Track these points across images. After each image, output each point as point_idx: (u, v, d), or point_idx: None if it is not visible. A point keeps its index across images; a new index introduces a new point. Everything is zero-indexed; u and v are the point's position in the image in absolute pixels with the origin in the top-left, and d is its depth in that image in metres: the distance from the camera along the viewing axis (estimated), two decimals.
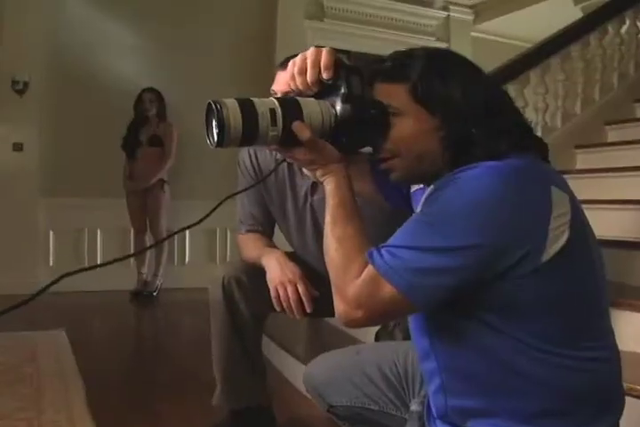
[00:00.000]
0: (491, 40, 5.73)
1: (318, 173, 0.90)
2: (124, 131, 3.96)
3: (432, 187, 0.86)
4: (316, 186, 1.57)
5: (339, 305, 0.82)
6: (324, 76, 0.87)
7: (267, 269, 1.48)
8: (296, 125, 0.84)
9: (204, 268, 4.14)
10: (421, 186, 1.01)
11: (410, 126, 0.88)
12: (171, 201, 4.04)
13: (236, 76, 4.43)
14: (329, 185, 0.89)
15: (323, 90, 0.88)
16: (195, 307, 3.41)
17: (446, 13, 5.36)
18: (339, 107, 0.87)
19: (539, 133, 2.71)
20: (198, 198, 4.23)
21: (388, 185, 1.01)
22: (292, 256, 1.55)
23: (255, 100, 0.84)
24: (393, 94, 0.89)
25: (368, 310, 0.80)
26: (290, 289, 1.42)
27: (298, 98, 0.87)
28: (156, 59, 4.34)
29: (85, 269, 0.73)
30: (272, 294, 1.44)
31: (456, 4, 5.40)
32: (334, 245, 0.86)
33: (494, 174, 0.79)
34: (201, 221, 0.85)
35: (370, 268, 0.80)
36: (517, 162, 0.82)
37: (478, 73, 0.92)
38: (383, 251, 0.80)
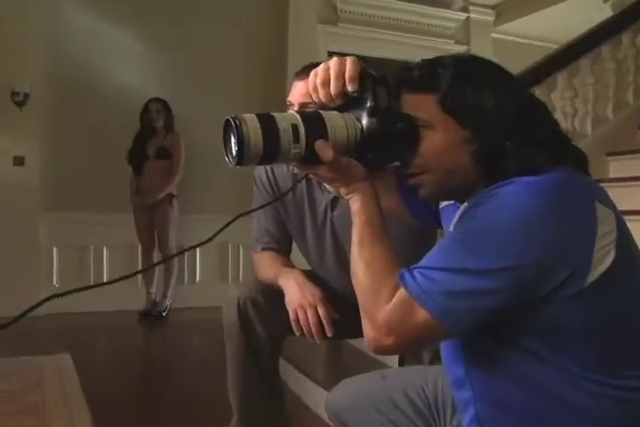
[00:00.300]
0: (512, 42, 5.74)
1: (343, 191, 0.89)
2: (130, 143, 4.00)
3: (466, 204, 0.86)
4: (336, 201, 1.57)
5: (368, 331, 0.81)
6: (349, 88, 0.86)
7: (285, 291, 1.47)
8: (318, 145, 0.84)
9: (215, 286, 4.14)
10: (452, 202, 1.00)
11: (440, 139, 0.87)
12: (180, 216, 4.07)
13: (247, 83, 4.48)
14: (355, 204, 0.89)
15: (347, 102, 0.88)
16: (205, 327, 3.41)
17: (466, 15, 5.37)
18: (364, 121, 0.86)
19: None
20: (208, 213, 4.24)
21: (416, 201, 1.00)
22: (310, 275, 1.54)
23: (276, 115, 0.84)
24: (421, 105, 0.88)
25: (400, 337, 0.79)
26: (310, 312, 1.41)
27: (321, 112, 0.87)
28: (162, 67, 4.39)
29: (76, 291, 0.73)
30: (291, 317, 1.44)
31: (476, 4, 5.41)
32: (362, 268, 0.85)
33: (533, 190, 0.78)
34: (211, 239, 0.85)
35: (401, 291, 0.79)
36: (557, 176, 0.81)
37: (510, 80, 0.91)
38: (415, 273, 0.80)
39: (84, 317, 3.87)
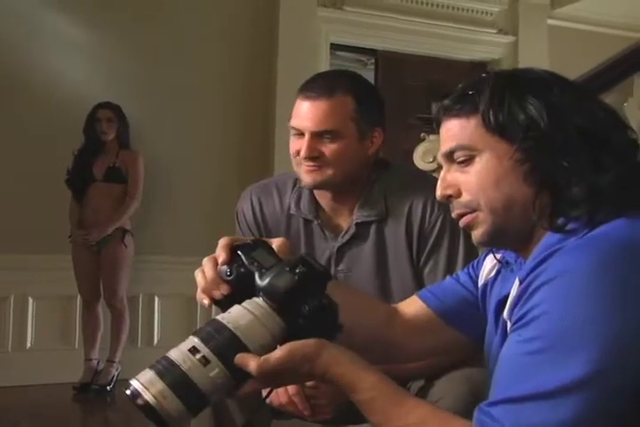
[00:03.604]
0: (577, 30, 5.64)
1: (317, 377, 0.95)
2: (70, 161, 4.03)
3: (518, 284, 0.93)
4: (343, 252, 1.63)
5: None
6: (220, 261, 1.02)
7: None
8: (238, 360, 0.91)
9: None
10: (492, 275, 1.13)
11: (490, 165, 0.98)
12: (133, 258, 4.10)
13: (225, 85, 4.57)
14: (338, 380, 0.93)
15: (237, 289, 1.01)
16: None
17: None
18: (262, 283, 0.98)
19: None
20: (170, 254, 4.27)
21: (455, 309, 1.14)
22: None
23: (173, 355, 0.92)
24: (464, 130, 1.00)
25: None
26: None
27: (216, 318, 0.96)
28: (115, 63, 4.44)
29: None
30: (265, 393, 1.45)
31: None
32: None
33: (597, 260, 0.83)
34: None
35: None
36: (622, 234, 0.87)
37: (566, 88, 0.99)
38: (496, 412, 0.81)
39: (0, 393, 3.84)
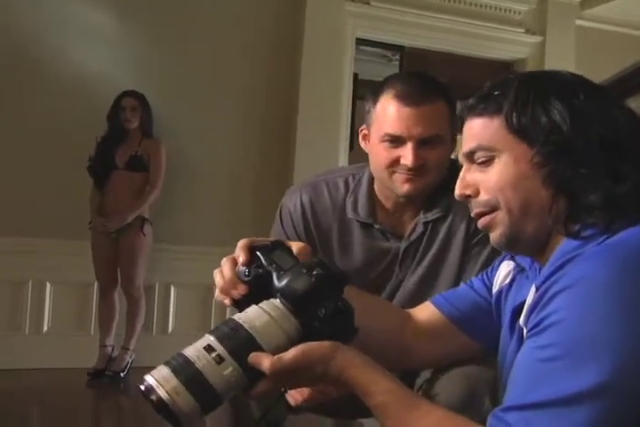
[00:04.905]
0: (604, 31, 5.58)
1: (332, 377, 0.95)
2: (92, 148, 4.06)
3: (534, 290, 0.94)
4: (407, 252, 1.62)
5: None
6: (239, 261, 1.05)
7: None
8: (252, 360, 0.93)
9: (192, 340, 4.13)
10: (506, 282, 1.13)
11: (509, 166, 0.99)
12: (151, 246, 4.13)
13: (249, 77, 4.58)
14: (351, 382, 0.94)
15: (256, 289, 1.03)
16: None
17: None
18: (280, 284, 0.99)
19: None
20: (188, 244, 4.31)
21: (468, 315, 1.16)
22: None
23: (188, 352, 0.95)
24: (486, 130, 1.02)
25: None
26: None
27: (233, 317, 0.98)
28: (140, 51, 4.46)
29: None
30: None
31: None
32: None
33: (616, 267, 0.83)
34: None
35: None
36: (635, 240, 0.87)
37: (594, 95, 0.99)
38: (511, 419, 0.81)
39: (14, 377, 3.85)
